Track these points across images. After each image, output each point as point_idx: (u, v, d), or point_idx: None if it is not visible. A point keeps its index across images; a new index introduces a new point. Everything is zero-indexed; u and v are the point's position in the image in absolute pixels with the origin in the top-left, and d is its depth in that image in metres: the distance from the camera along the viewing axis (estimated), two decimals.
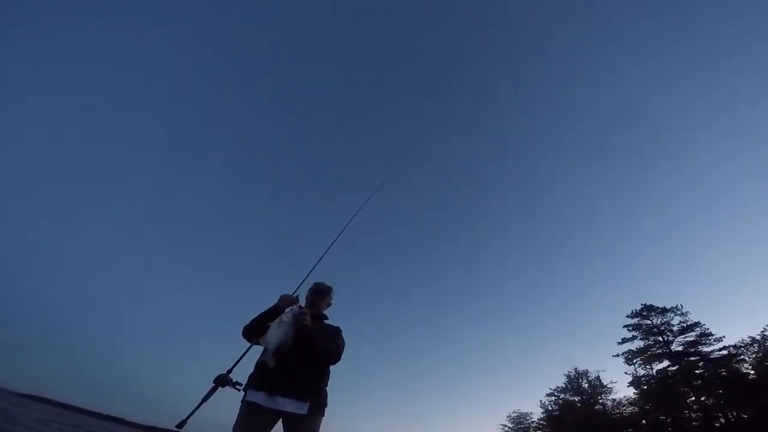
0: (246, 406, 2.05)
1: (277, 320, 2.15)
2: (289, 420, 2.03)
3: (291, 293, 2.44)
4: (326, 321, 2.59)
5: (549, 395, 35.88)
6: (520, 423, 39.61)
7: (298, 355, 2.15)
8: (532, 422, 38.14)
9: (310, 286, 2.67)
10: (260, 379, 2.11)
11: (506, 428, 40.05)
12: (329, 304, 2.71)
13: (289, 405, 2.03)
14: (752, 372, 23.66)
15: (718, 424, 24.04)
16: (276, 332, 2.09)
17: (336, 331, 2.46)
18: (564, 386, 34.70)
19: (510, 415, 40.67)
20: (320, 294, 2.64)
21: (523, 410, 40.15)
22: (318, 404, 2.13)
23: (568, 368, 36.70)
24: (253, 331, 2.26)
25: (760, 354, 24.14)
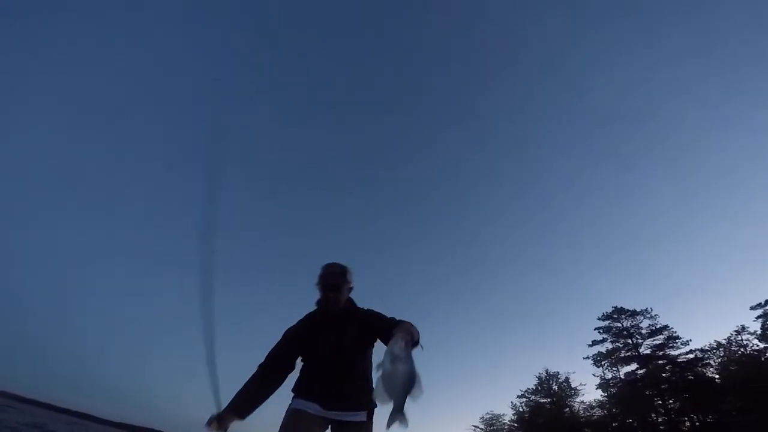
0: (296, 413, 1.82)
1: (387, 359, 1.47)
2: (344, 425, 1.82)
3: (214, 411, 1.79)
4: (358, 306, 2.05)
5: (520, 397, 35.57)
6: (492, 425, 39.23)
7: (356, 371, 1.90)
8: (505, 424, 37.82)
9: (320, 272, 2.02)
10: (313, 390, 1.85)
11: (478, 430, 39.71)
12: (351, 288, 2.02)
13: (345, 416, 1.82)
14: (717, 377, 23.80)
15: (684, 428, 24.17)
16: (395, 381, 1.43)
17: (377, 316, 1.94)
18: (535, 388, 34.45)
19: (483, 417, 40.35)
20: (336, 276, 1.93)
21: (496, 411, 39.85)
22: (372, 412, 1.91)
23: (539, 369, 36.45)
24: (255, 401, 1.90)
25: (725, 358, 24.29)
